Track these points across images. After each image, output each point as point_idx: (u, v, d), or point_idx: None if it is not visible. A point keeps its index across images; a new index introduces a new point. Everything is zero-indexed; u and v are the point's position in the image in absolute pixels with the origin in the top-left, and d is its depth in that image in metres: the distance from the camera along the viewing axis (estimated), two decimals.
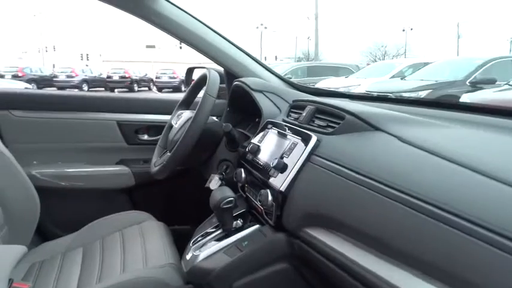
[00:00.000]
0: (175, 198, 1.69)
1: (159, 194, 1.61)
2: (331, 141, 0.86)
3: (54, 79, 19.03)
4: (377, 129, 0.82)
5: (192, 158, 1.23)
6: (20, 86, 12.55)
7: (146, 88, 21.28)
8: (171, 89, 19.75)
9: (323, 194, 0.78)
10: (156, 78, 20.73)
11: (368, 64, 15.42)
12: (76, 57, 35.47)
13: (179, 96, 1.56)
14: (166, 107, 1.64)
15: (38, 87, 17.94)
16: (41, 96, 1.59)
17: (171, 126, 1.37)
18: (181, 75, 20.31)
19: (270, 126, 1.13)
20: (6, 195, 1.30)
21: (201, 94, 1.52)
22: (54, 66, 25.99)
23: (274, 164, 0.90)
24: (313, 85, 9.71)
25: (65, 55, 36.03)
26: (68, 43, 37.99)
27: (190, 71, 1.94)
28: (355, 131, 0.84)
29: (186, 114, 1.32)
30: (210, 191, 1.19)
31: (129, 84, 19.74)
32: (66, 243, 1.36)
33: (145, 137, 1.69)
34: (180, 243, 1.37)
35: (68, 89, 18.32)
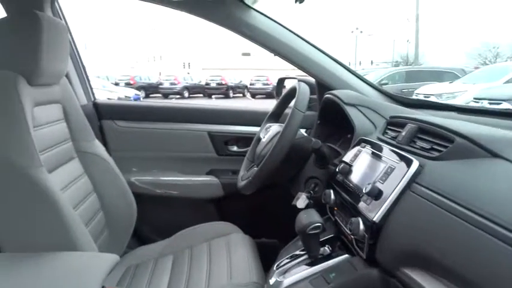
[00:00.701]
0: (263, 211, 1.67)
1: (247, 206, 1.60)
2: (436, 167, 0.74)
3: (160, 86, 20.73)
4: (496, 156, 0.68)
5: (279, 174, 1.18)
6: (131, 93, 13.95)
7: (241, 94, 22.04)
8: (264, 95, 20.17)
9: (425, 231, 0.66)
10: (250, 84, 21.34)
11: (476, 67, 13.83)
12: (179, 65, 38.34)
13: (269, 107, 1.53)
14: (256, 119, 1.63)
15: (146, 94, 19.76)
16: (141, 107, 1.70)
17: (259, 140, 1.35)
18: (275, 81, 20.47)
19: (363, 144, 1.03)
20: (108, 201, 1.39)
21: (290, 106, 1.48)
22: (160, 74, 28.34)
23: (367, 189, 0.81)
24: (413, 91, 9.06)
25: (169, 64, 39.14)
26: (172, 53, 41.19)
27: (281, 82, 1.91)
28: (467, 157, 0.71)
29: (275, 128, 1.29)
30: (296, 206, 1.13)
31: (225, 90, 20.66)
32: (159, 249, 1.42)
33: (235, 148, 1.70)
34: (266, 257, 1.34)
35: (170, 96, 19.87)
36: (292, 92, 1.31)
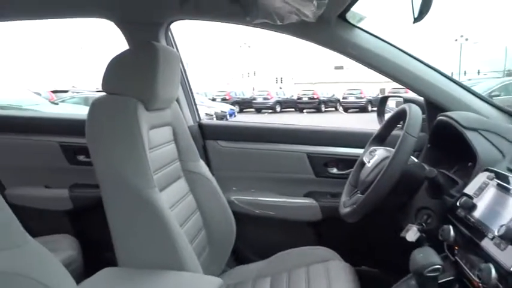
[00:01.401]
0: (364, 238, 1.58)
1: (346, 232, 1.53)
2: None
3: (253, 101, 21.44)
4: None
5: (385, 202, 1.10)
6: (226, 108, 14.62)
7: (333, 108, 21.74)
8: (357, 109, 19.63)
9: None
10: (343, 98, 20.95)
11: None
12: (272, 80, 39.28)
13: (367, 126, 1.45)
14: (357, 140, 1.56)
15: (240, 108, 20.56)
16: (242, 128, 1.74)
17: (362, 164, 1.28)
18: (368, 95, 19.97)
19: (489, 175, 0.91)
20: (210, 219, 1.44)
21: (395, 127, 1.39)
22: (253, 89, 29.33)
23: (501, 231, 0.70)
24: None
25: (263, 79, 40.34)
26: (265, 68, 42.40)
27: (383, 101, 1.81)
28: None
29: (381, 152, 1.21)
30: (404, 238, 1.04)
31: (316, 105, 20.57)
32: (257, 270, 1.42)
33: (334, 170, 1.65)
34: (367, 287, 1.26)
35: (263, 110, 20.37)
36: (400, 115, 1.23)
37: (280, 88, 28.81)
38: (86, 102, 9.79)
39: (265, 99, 21.26)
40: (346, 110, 20.42)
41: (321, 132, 1.72)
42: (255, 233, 1.65)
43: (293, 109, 21.66)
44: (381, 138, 1.37)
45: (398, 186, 1.06)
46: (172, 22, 1.51)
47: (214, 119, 10.65)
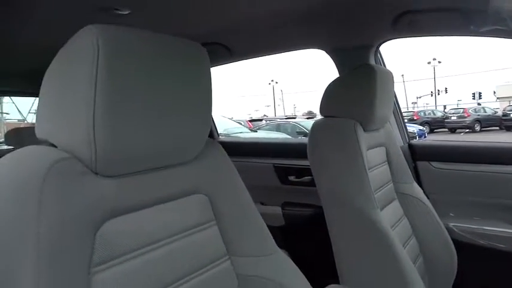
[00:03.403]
0: None
1: None
2: None
3: (446, 120, 19.37)
4: None
5: None
6: (413, 128, 13.62)
7: None
8: None
9: None
10: None
11: None
12: (467, 96, 34.82)
13: None
14: None
15: (431, 129, 18.86)
16: (460, 148, 1.57)
17: None
18: None
19: None
20: (428, 246, 1.34)
21: None
22: (445, 107, 26.57)
23: None
24: None
25: (456, 96, 36.23)
26: (459, 83, 38.01)
27: None
28: None
29: None
30: None
31: None
32: None
33: None
34: None
35: (457, 130, 18.16)
36: None
37: (479, 104, 25.18)
38: (277, 129, 10.78)
39: (460, 117, 18.89)
40: None
41: None
42: (479, 268, 1.44)
43: (497, 127, 18.54)
44: None
45: None
46: (382, 43, 1.51)
47: None
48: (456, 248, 1.36)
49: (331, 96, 1.24)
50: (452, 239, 1.37)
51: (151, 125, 0.55)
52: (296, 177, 1.83)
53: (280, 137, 8.07)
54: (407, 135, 1.68)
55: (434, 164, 1.56)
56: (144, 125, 0.54)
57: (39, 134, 0.56)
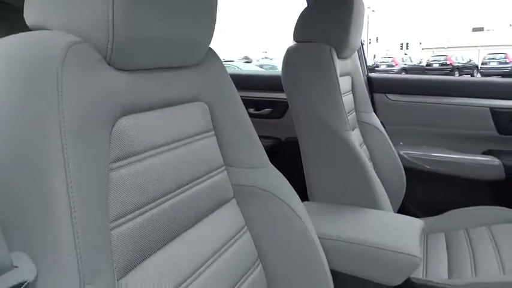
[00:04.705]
0: None
1: None
2: None
3: (376, 69, 20.34)
4: None
5: None
6: None
7: (468, 76, 19.41)
8: (499, 76, 17.19)
9: None
10: (482, 64, 18.50)
11: None
12: (396, 46, 36.59)
13: None
14: None
15: None
16: (414, 81, 1.67)
17: None
18: None
19: None
20: (382, 171, 1.45)
21: None
22: (374, 56, 27.79)
23: None
24: None
25: (385, 46, 37.87)
26: (388, 34, 39.61)
27: None
28: None
29: None
30: None
31: (449, 72, 18.57)
32: (428, 225, 1.39)
33: None
34: None
35: None
36: None
37: (406, 54, 26.68)
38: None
39: (389, 66, 19.96)
40: (485, 76, 18.04)
41: (507, 84, 1.56)
42: (424, 190, 1.60)
43: None
44: None
45: None
46: None
47: None
48: (406, 173, 1.49)
49: (307, 21, 1.22)
50: (403, 165, 1.50)
51: (165, 15, 0.51)
52: (255, 110, 1.84)
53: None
54: (367, 68, 1.74)
55: (390, 96, 1.65)
56: (159, 14, 0.50)
57: (30, 18, 0.48)
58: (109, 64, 0.48)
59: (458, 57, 19.55)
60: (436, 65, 19.10)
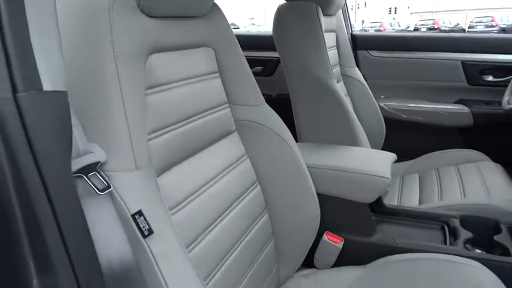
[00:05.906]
0: None
1: (499, 136, 1.56)
2: None
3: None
4: None
5: None
6: None
7: None
8: None
9: None
10: (469, 28, 18.55)
11: None
12: (384, 11, 36.23)
13: None
14: None
15: None
16: (394, 38, 1.80)
17: None
18: (502, 23, 17.37)
19: None
20: (363, 120, 1.60)
21: None
22: (363, 22, 27.53)
23: None
24: None
25: (374, 10, 37.45)
26: None
27: None
28: None
29: None
30: None
31: None
32: (404, 168, 1.56)
33: (490, 78, 1.64)
34: None
35: None
36: None
37: (394, 19, 26.51)
38: None
39: (377, 31, 19.92)
40: None
41: (478, 39, 1.70)
42: (402, 137, 1.77)
43: None
44: None
45: None
46: None
47: None
48: (385, 123, 1.65)
49: None
50: (383, 116, 1.65)
51: None
52: None
53: None
54: (351, 25, 1.85)
55: (372, 52, 1.79)
56: None
57: None
58: (141, 11, 0.61)
59: (445, 21, 19.55)
60: (423, 30, 19.11)
